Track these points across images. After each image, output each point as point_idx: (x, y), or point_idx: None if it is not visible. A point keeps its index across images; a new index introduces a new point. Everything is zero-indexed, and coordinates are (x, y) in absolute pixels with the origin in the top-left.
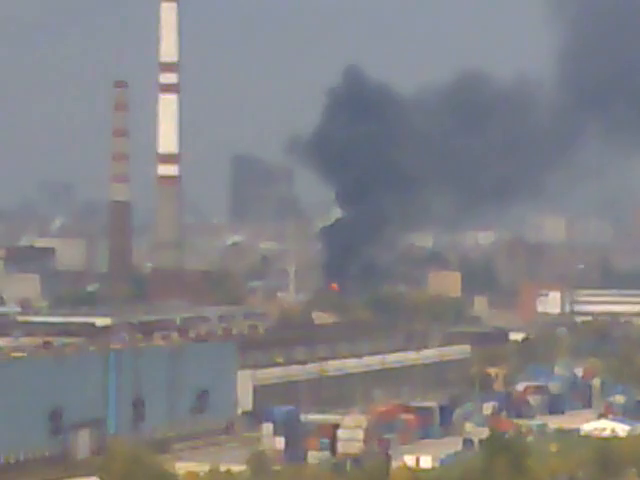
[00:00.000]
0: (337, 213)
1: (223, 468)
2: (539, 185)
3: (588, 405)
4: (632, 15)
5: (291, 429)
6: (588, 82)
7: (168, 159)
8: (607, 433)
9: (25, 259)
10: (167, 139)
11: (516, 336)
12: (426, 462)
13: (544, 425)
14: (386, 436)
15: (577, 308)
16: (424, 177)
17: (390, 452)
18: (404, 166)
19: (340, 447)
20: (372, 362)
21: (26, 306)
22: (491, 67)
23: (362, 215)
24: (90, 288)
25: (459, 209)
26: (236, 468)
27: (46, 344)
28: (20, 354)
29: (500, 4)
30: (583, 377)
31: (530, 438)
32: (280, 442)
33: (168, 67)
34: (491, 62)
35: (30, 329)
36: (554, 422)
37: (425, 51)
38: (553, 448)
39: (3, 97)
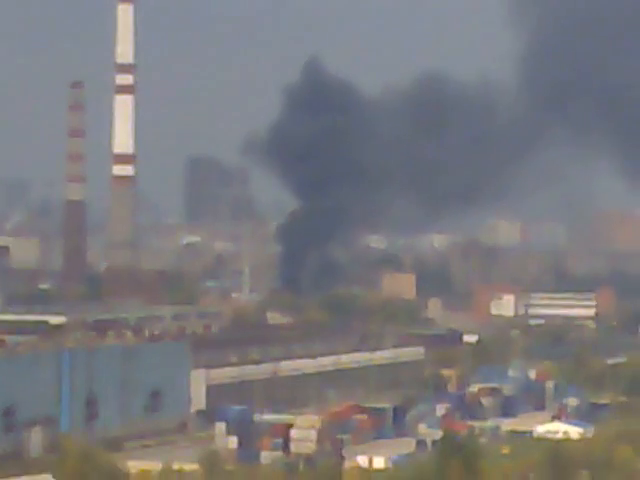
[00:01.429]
0: (292, 210)
1: (175, 467)
2: (497, 189)
3: (541, 407)
4: (593, 18)
5: (244, 429)
6: (549, 85)
7: (123, 159)
8: (560, 435)
9: None
10: (122, 139)
11: (470, 338)
12: (379, 463)
13: (497, 427)
14: (339, 436)
15: (531, 311)
16: (382, 178)
17: (343, 452)
18: (362, 166)
19: (293, 447)
20: (326, 363)
21: None
22: (453, 69)
23: (318, 214)
24: (44, 286)
25: (416, 211)
26: (189, 467)
27: None
28: None
29: (463, 7)
30: (536, 379)
31: (483, 440)
32: (233, 441)
33: (124, 68)
34: (453, 64)
35: None
36: (507, 424)
37: (386, 51)
38: (506, 450)
39: None
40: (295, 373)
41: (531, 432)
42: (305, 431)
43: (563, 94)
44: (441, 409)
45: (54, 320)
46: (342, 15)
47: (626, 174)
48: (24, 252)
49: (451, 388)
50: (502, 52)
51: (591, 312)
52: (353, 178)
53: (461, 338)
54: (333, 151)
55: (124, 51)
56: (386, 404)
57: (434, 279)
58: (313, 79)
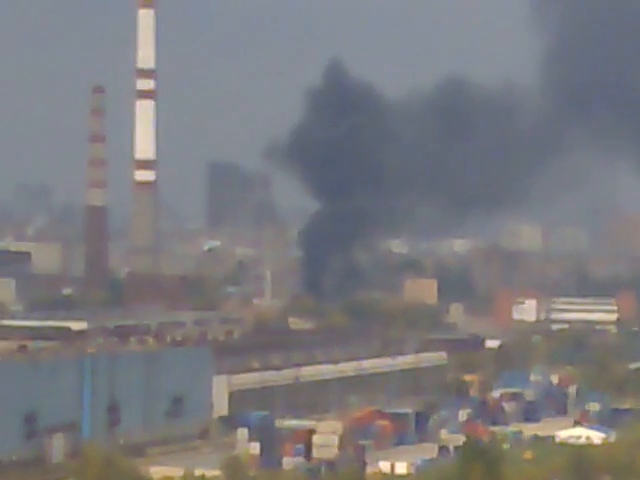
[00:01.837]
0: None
1: (198, 473)
2: (519, 193)
3: (563, 412)
4: (615, 20)
5: (266, 434)
6: (571, 88)
7: (145, 165)
8: (582, 440)
9: (1, 263)
10: (144, 145)
11: (492, 343)
12: (401, 468)
13: (519, 432)
14: (361, 442)
15: (553, 316)
16: (404, 182)
17: (365, 458)
18: (384, 170)
19: (315, 453)
20: (347, 368)
21: (1, 310)
22: (475, 72)
23: (339, 218)
24: (66, 292)
25: (438, 216)
26: (210, 473)
27: (21, 348)
28: None
29: (485, 9)
30: (559, 384)
31: (505, 445)
32: (255, 447)
33: (145, 73)
34: (475, 67)
35: (5, 333)
36: (529, 429)
37: (408, 55)
38: (528, 455)
39: None
40: (317, 379)
41: (553, 437)
42: (327, 437)
43: (586, 97)
44: (463, 414)
45: (76, 326)
46: (364, 18)
47: None
48: (46, 258)
49: (473, 393)
50: (524, 55)
51: (613, 317)
52: (375, 182)
53: (483, 343)
54: (355, 155)
55: (145, 56)
56: (408, 409)
57: (456, 284)
58: (335, 82)
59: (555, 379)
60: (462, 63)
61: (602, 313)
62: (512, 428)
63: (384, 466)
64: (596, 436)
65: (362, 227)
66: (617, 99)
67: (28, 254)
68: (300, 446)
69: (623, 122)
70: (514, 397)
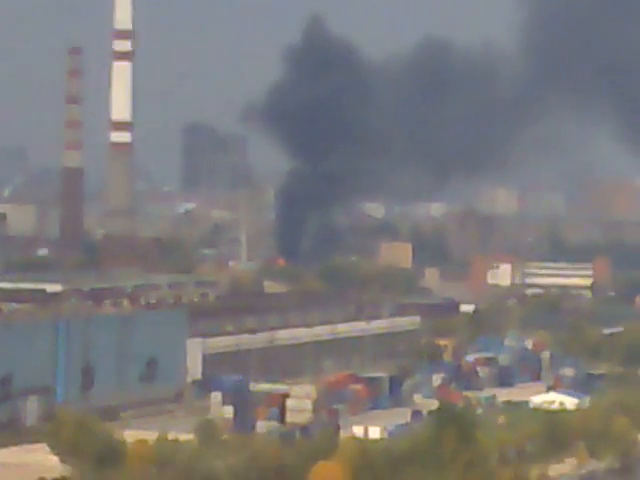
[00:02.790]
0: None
1: (171, 436)
2: (496, 158)
3: (537, 378)
4: None
5: (240, 398)
6: (551, 53)
7: (121, 126)
8: (556, 406)
9: None
10: (120, 106)
11: (466, 308)
12: (374, 433)
13: (493, 397)
14: (335, 406)
15: (528, 280)
16: (381, 144)
17: (339, 422)
18: (362, 132)
19: (289, 417)
20: (322, 332)
21: None
22: (457, 35)
23: (315, 180)
24: (41, 254)
25: (415, 180)
26: (184, 437)
27: None
28: None
29: None
30: (533, 349)
31: (479, 410)
32: (229, 411)
33: (122, 34)
34: (457, 30)
35: None
36: (503, 394)
37: (389, 15)
38: (502, 420)
39: None
40: (291, 342)
41: (527, 402)
42: (301, 401)
43: (565, 62)
44: (437, 379)
45: (51, 288)
46: None
47: (626, 142)
48: (21, 219)
49: (447, 358)
50: (505, 19)
51: (587, 281)
52: (353, 144)
53: (457, 308)
54: (333, 116)
55: (122, 17)
56: (382, 374)
57: (431, 248)
58: (315, 41)
59: (529, 344)
60: (443, 26)
61: (577, 278)
62: (486, 393)
63: (357, 430)
64: (570, 401)
65: (338, 189)
66: (596, 65)
67: (3, 215)
68: (274, 410)
69: (602, 88)
70: (488, 362)
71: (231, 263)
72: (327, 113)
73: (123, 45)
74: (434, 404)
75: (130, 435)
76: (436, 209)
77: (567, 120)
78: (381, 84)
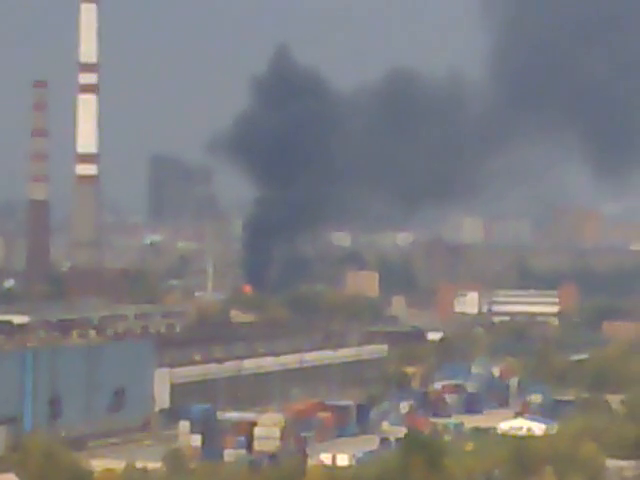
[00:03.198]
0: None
1: (139, 465)
2: (463, 186)
3: (505, 404)
4: (563, 15)
5: (208, 427)
6: (519, 82)
7: (87, 159)
8: (524, 432)
9: None
10: (86, 139)
11: (434, 336)
12: (342, 460)
13: (461, 424)
14: (303, 434)
15: (495, 308)
16: (348, 174)
17: (307, 450)
18: (329, 161)
19: (257, 445)
20: (289, 361)
21: None
22: (424, 64)
23: (282, 210)
24: (7, 286)
25: (382, 209)
26: (152, 465)
27: None
28: None
29: (435, 2)
30: (500, 376)
31: (447, 437)
32: (197, 440)
33: (87, 67)
34: (424, 59)
35: None
36: (471, 421)
37: (356, 45)
38: (470, 447)
39: None
40: (259, 371)
41: (495, 429)
42: (269, 429)
43: (532, 90)
44: (405, 406)
45: (18, 319)
46: (311, 7)
47: (592, 170)
48: None
49: (415, 385)
50: (471, 49)
51: (554, 309)
52: (320, 174)
53: (425, 335)
54: (300, 145)
55: (87, 50)
56: (349, 402)
57: (397, 277)
58: (281, 70)
59: (497, 371)
60: (410, 55)
61: (543, 305)
62: (454, 420)
63: (326, 458)
64: (537, 427)
65: (305, 219)
66: (563, 93)
67: None
68: (242, 438)
69: (569, 116)
70: (456, 389)
71: (198, 293)
72: (294, 143)
73: (88, 78)
74: (402, 431)
75: (98, 464)
76: (402, 238)
77: (534, 148)
78: (348, 114)
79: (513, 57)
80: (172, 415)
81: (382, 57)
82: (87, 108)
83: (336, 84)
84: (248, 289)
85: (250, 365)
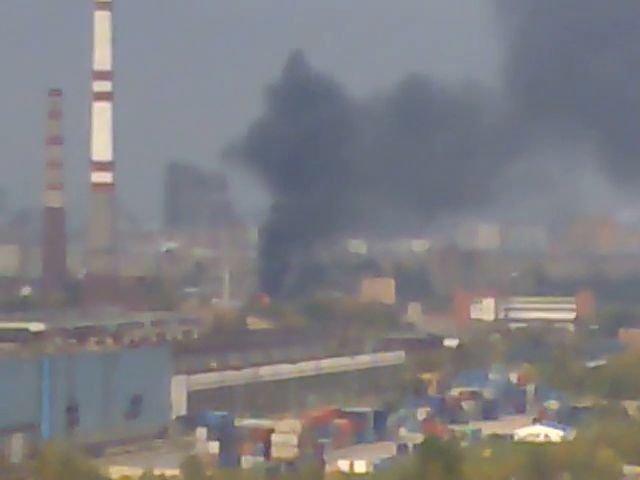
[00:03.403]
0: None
1: (157, 472)
2: (479, 193)
3: (522, 411)
4: (577, 22)
5: (225, 434)
6: (534, 89)
7: (102, 166)
8: (541, 439)
9: None
10: (101, 147)
11: (450, 342)
12: (360, 467)
13: (478, 430)
14: (320, 441)
15: (511, 315)
16: (364, 181)
17: (324, 457)
18: (344, 169)
19: (274, 452)
20: (306, 368)
21: None
22: (439, 72)
23: (298, 217)
24: (24, 293)
25: (398, 216)
26: (170, 472)
27: None
28: None
29: (450, 8)
30: (517, 383)
31: (464, 444)
32: (214, 447)
33: (102, 75)
34: (439, 67)
35: None
36: (488, 427)
37: (372, 52)
38: (487, 453)
39: None
40: (275, 378)
41: (512, 435)
42: (286, 436)
43: (547, 98)
44: (422, 413)
45: (34, 327)
46: (325, 14)
47: (608, 177)
48: (4, 259)
49: (431, 392)
50: (487, 56)
51: (571, 315)
52: (334, 181)
53: (441, 342)
54: (314, 152)
55: (102, 58)
56: (367, 408)
57: (413, 284)
58: (296, 77)
59: (514, 377)
60: (425, 62)
61: (560, 312)
62: (471, 426)
63: (343, 465)
64: (555, 434)
65: (321, 226)
66: (579, 101)
67: None
68: (259, 445)
69: (585, 123)
70: (473, 396)
71: (214, 301)
72: (309, 150)
73: (103, 86)
74: (419, 438)
75: (115, 471)
76: (417, 245)
77: (549, 155)
78: (363, 121)
79: (527, 64)
80: (189, 422)
81: (397, 64)
82: (102, 116)
83: (351, 91)
84: (265, 298)
85: (267, 372)
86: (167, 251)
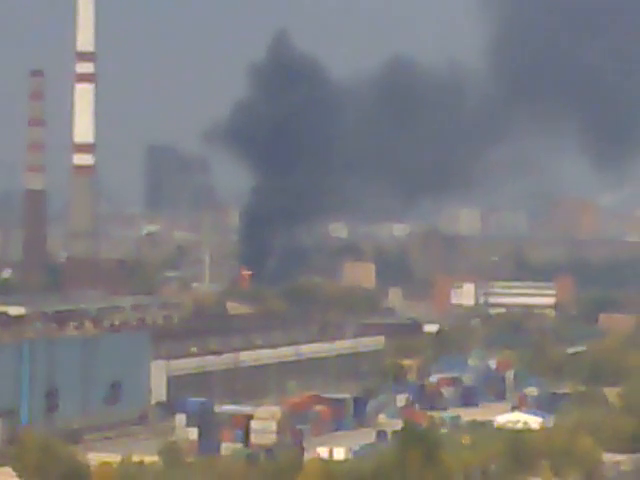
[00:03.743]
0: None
1: (136, 459)
2: (461, 177)
3: (502, 397)
4: (564, 7)
5: (204, 420)
6: (518, 73)
7: (84, 148)
8: (520, 425)
9: None
10: (83, 129)
11: (430, 328)
12: (339, 454)
13: (457, 417)
14: (299, 427)
15: (491, 300)
16: (347, 164)
17: (303, 443)
18: (327, 151)
19: (254, 438)
20: (286, 353)
21: None
22: (423, 55)
23: (280, 199)
24: (4, 276)
25: (381, 199)
26: (149, 459)
27: None
28: None
29: None
30: (497, 369)
31: (443, 430)
32: (193, 433)
33: (84, 56)
34: (423, 50)
35: None
36: (467, 414)
37: (356, 34)
38: (466, 440)
39: None
40: (255, 363)
41: (492, 422)
42: (265, 422)
43: (531, 82)
44: (401, 399)
45: (14, 311)
46: None
47: (589, 162)
48: None
49: (411, 378)
50: (472, 38)
51: (551, 301)
52: (317, 163)
53: (421, 328)
54: (297, 134)
55: (84, 39)
56: (346, 395)
57: (394, 268)
58: (280, 57)
59: (493, 363)
60: (409, 45)
61: (540, 297)
62: (450, 413)
63: (322, 451)
64: (534, 421)
65: (302, 209)
66: (561, 85)
67: None
68: (238, 432)
69: (567, 108)
70: (452, 382)
71: (194, 285)
72: (291, 132)
73: (85, 67)
74: (399, 424)
75: (94, 458)
76: (398, 229)
77: (531, 140)
78: (347, 103)
79: (512, 48)
80: (168, 408)
81: (381, 46)
82: (84, 98)
83: (335, 73)
84: (246, 277)
85: (247, 357)
86: (148, 234)
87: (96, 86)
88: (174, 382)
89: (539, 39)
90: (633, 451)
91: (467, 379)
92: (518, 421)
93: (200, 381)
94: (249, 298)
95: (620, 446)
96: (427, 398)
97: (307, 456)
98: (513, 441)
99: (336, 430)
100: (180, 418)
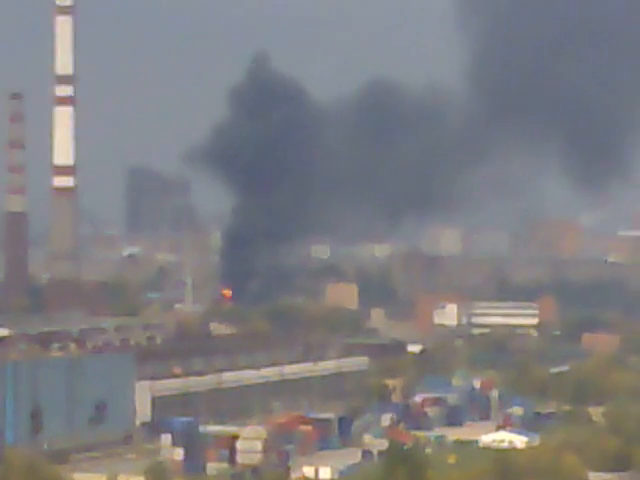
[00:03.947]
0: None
1: (121, 479)
2: (443, 198)
3: (486, 417)
4: (541, 25)
5: (190, 440)
6: (498, 93)
7: (64, 171)
8: (505, 445)
9: None
10: (63, 151)
11: (413, 348)
12: (325, 473)
13: (442, 437)
14: (285, 447)
15: (474, 320)
16: (327, 185)
17: (289, 463)
18: (307, 173)
19: (239, 458)
20: (270, 373)
21: None
22: (403, 76)
23: (261, 221)
24: None
25: (362, 220)
26: (134, 479)
27: None
28: None
29: (413, 12)
30: (481, 389)
31: (428, 450)
32: (179, 453)
33: (64, 79)
34: (403, 71)
35: None
36: (452, 434)
37: (336, 56)
38: (452, 460)
39: None
40: (239, 384)
41: (477, 441)
42: (251, 442)
43: (512, 102)
44: (386, 419)
45: None
46: (290, 17)
47: (571, 182)
48: None
49: (395, 398)
50: (452, 60)
51: (534, 321)
52: (298, 185)
53: (405, 348)
54: (278, 156)
55: (64, 62)
56: (331, 414)
57: (376, 289)
58: (259, 79)
59: (477, 383)
60: (390, 66)
61: (523, 317)
62: (435, 432)
63: (308, 471)
64: (519, 440)
65: (283, 230)
66: (542, 106)
67: None
68: (224, 452)
69: (548, 128)
70: (437, 401)
71: (177, 306)
72: (272, 153)
73: (65, 90)
74: (384, 444)
75: (80, 478)
76: (381, 250)
77: (512, 160)
78: (328, 124)
79: (492, 69)
80: (154, 428)
81: (361, 67)
82: (63, 120)
83: (315, 94)
84: (228, 293)
85: (230, 378)
86: (129, 256)
87: (75, 109)
88: (159, 402)
89: (519, 60)
90: (618, 470)
91: (451, 399)
92: (503, 440)
93: (184, 402)
94: (232, 319)
95: (605, 465)
96: (412, 418)
97: (293, 476)
98: (499, 460)
99: (321, 450)
100: (166, 438)
